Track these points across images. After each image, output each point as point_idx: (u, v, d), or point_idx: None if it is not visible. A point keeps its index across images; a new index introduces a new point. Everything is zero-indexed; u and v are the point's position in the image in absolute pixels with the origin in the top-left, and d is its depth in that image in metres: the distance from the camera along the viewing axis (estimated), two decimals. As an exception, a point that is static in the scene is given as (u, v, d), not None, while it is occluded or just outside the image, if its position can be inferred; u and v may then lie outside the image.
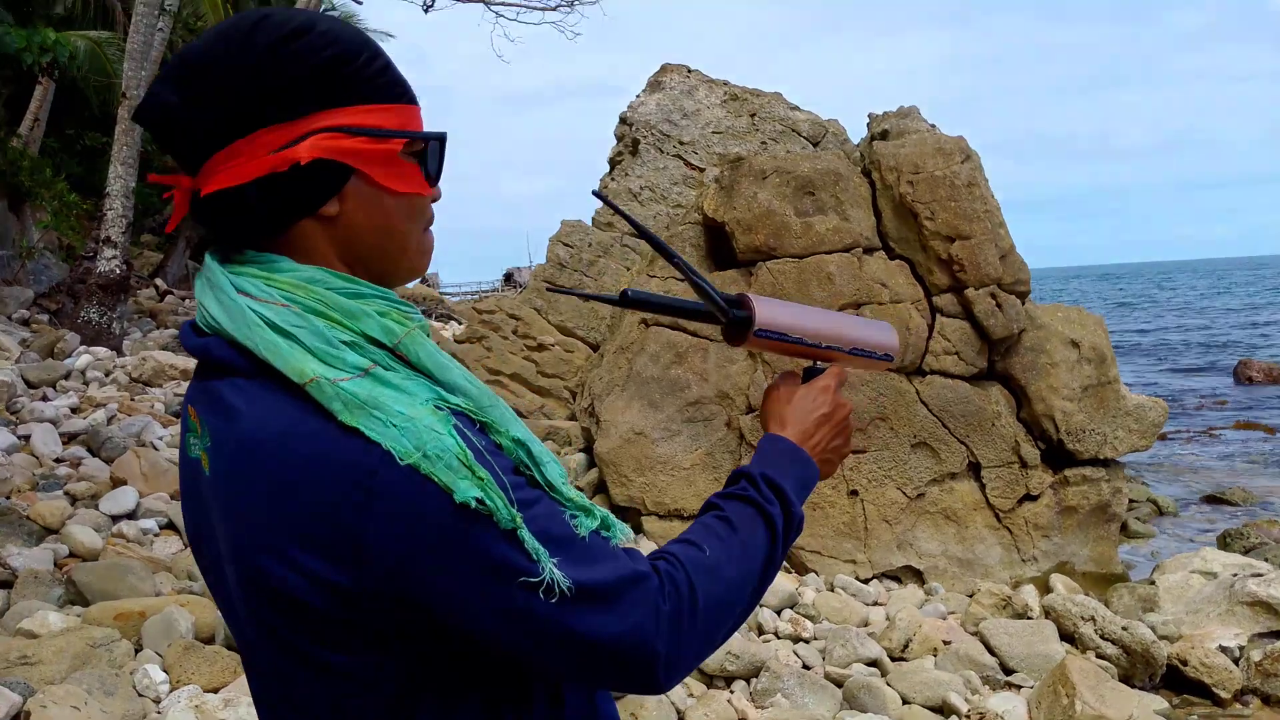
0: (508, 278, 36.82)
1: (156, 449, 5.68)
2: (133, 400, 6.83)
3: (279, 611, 0.82)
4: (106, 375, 7.45)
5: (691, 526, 0.98)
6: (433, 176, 0.93)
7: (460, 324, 15.21)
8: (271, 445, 0.80)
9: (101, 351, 8.01)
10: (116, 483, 5.04)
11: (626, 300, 1.05)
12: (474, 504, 0.77)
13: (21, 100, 13.66)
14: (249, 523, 0.81)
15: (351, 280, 0.86)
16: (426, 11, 13.45)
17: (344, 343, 0.82)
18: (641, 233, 1.08)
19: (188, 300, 12.69)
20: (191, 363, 8.03)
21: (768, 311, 1.12)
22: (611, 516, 0.89)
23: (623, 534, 0.89)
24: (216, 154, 0.84)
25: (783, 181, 5.65)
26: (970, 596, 4.96)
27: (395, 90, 0.90)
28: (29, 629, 3.41)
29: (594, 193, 1.11)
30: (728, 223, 5.65)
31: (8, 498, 4.68)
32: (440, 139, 0.93)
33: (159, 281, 12.83)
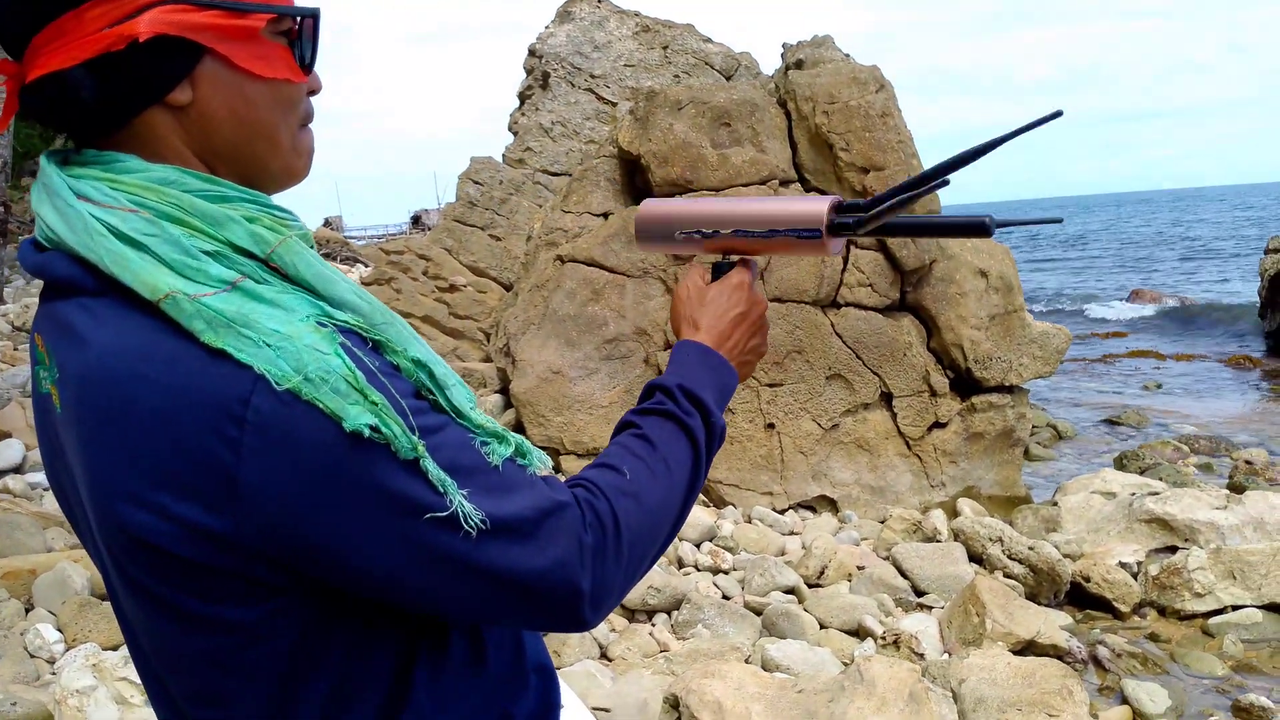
0: (415, 220, 35.88)
1: (43, 400, 5.38)
2: (16, 350, 6.45)
3: (144, 563, 0.71)
4: (-15, 323, 7.02)
5: (608, 448, 0.90)
6: (306, 62, 0.81)
7: (367, 267, 14.79)
8: (124, 375, 0.69)
9: (-21, 299, 7.54)
10: (1, 435, 4.76)
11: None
12: (367, 432, 0.67)
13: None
14: (103, 465, 0.70)
15: (213, 181, 0.74)
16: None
17: (206, 253, 0.70)
18: None
19: (74, 244, 12.05)
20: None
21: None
22: (527, 443, 0.80)
23: (540, 461, 0.81)
24: (39, 33, 0.71)
25: (698, 113, 5.55)
26: (882, 523, 5.07)
27: None
28: (-94, 592, 3.21)
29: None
30: (643, 155, 5.54)
31: (-123, 455, 4.38)
32: (313, 15, 0.80)
33: (42, 225, 12.13)
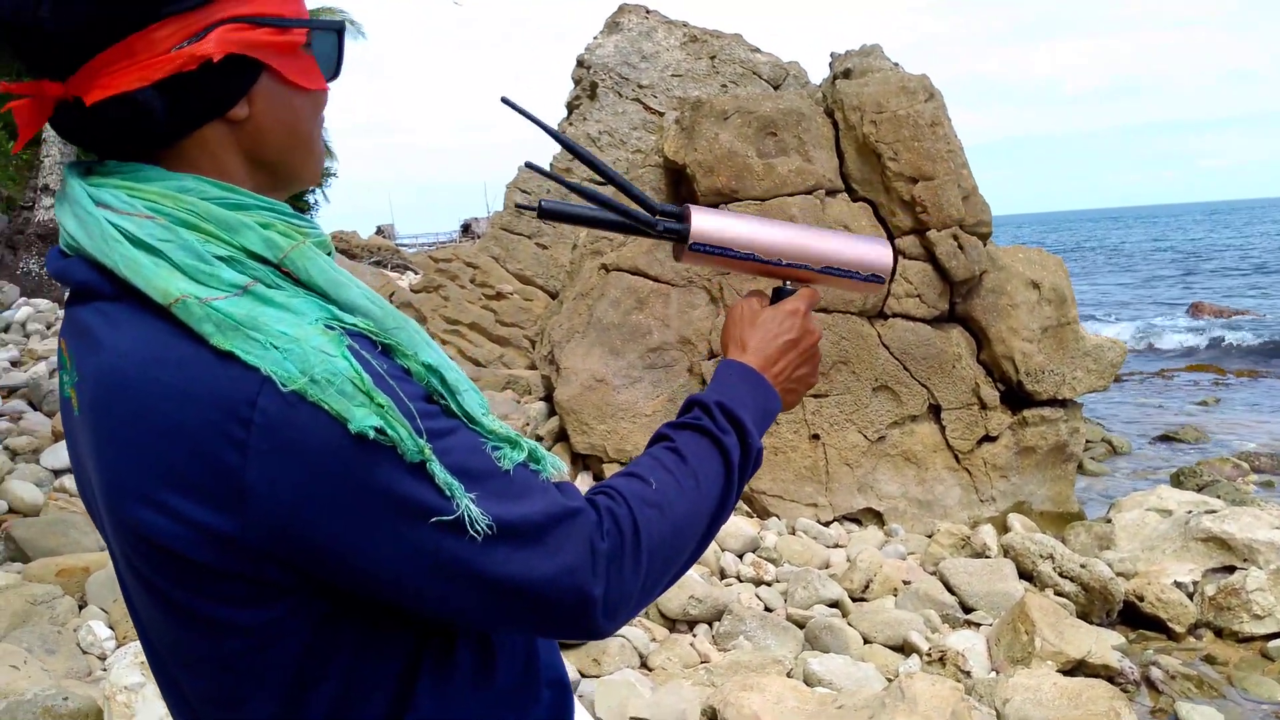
0: (465, 229, 36.27)
1: (101, 402, 5.52)
2: (76, 353, 6.63)
3: (156, 566, 0.72)
4: (48, 328, 7.23)
5: (638, 459, 0.89)
6: (331, 70, 0.83)
7: (417, 274, 14.98)
8: (135, 376, 0.70)
9: (43, 303, 7.77)
10: (59, 436, 4.89)
11: (543, 211, 0.95)
12: (372, 434, 0.67)
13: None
14: (116, 466, 0.71)
15: (231, 189, 0.75)
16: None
17: (219, 258, 0.71)
18: (555, 137, 0.97)
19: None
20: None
21: (707, 223, 1.02)
22: (541, 449, 0.80)
23: (553, 467, 0.80)
24: (100, 54, 0.71)
25: (744, 122, 5.53)
26: (929, 537, 4.99)
27: None
28: (-34, 587, 3.29)
29: (503, 99, 0.97)
30: (689, 165, 5.53)
31: (-57, 453, 4.51)
32: (340, 29, 0.83)
33: (103, 232, 12.46)
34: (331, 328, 0.70)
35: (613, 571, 0.77)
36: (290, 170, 0.82)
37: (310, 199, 25.36)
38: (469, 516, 0.70)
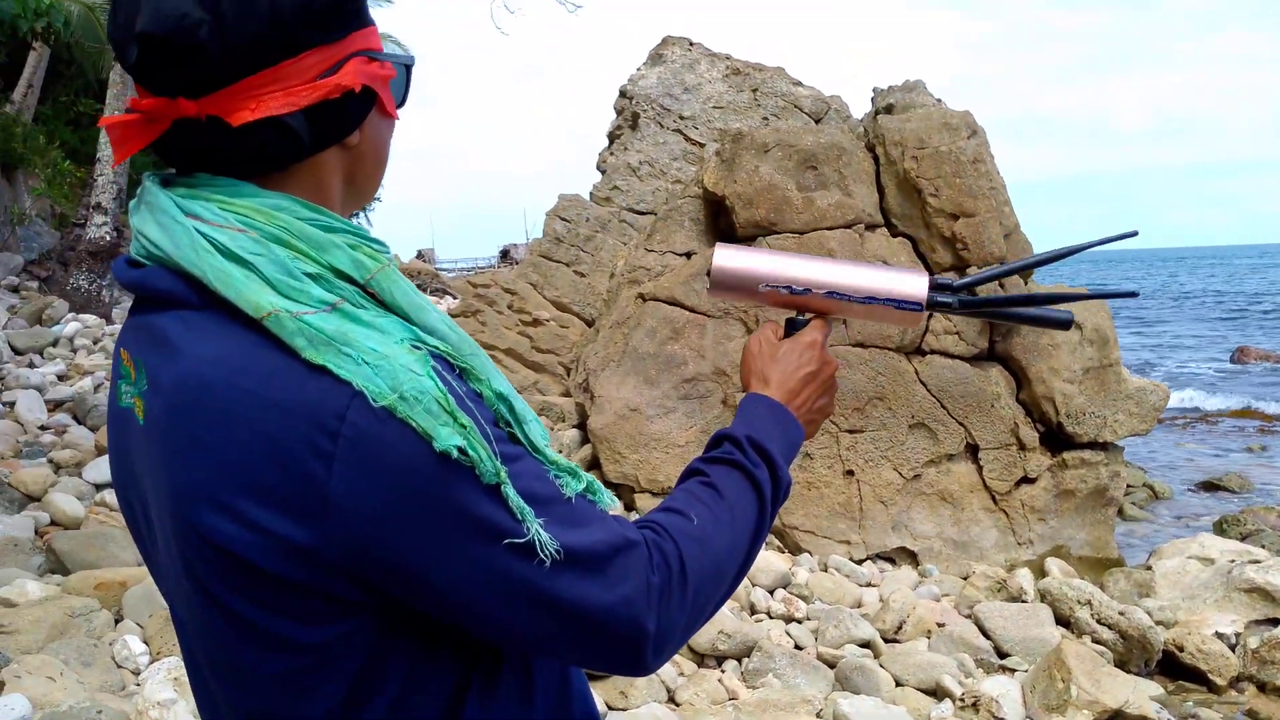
0: (504, 254, 36.59)
1: (143, 418, 5.60)
2: (121, 368, 6.75)
3: (223, 575, 0.72)
4: (95, 343, 7.38)
5: (674, 493, 0.90)
6: (401, 99, 0.88)
7: (455, 299, 15.11)
8: (221, 385, 0.71)
9: (90, 319, 7.93)
10: (101, 451, 4.97)
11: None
12: (455, 453, 0.68)
13: (15, 67, 13.48)
14: (191, 472, 0.72)
15: (320, 211, 0.78)
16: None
17: (308, 275, 0.73)
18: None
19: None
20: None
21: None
22: (597, 482, 0.81)
23: (609, 500, 0.81)
24: (250, 77, 0.74)
25: (785, 155, 5.55)
26: (965, 579, 4.91)
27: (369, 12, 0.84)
28: (7, 597, 3.35)
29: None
30: (728, 196, 5.56)
31: (-10, 464, 4.61)
32: (411, 63, 0.88)
33: (152, 250, 12.71)
34: (418, 347, 0.72)
35: (663, 605, 0.78)
36: (368, 192, 0.87)
37: (354, 221, 25.75)
38: (539, 540, 0.72)
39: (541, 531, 0.72)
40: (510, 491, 0.71)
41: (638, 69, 10.81)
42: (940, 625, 4.23)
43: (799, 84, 10.44)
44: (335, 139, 0.80)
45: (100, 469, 4.72)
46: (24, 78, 13.27)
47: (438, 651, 0.78)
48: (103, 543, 3.80)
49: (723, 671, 3.68)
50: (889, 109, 6.00)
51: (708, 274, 1.07)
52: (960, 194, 5.37)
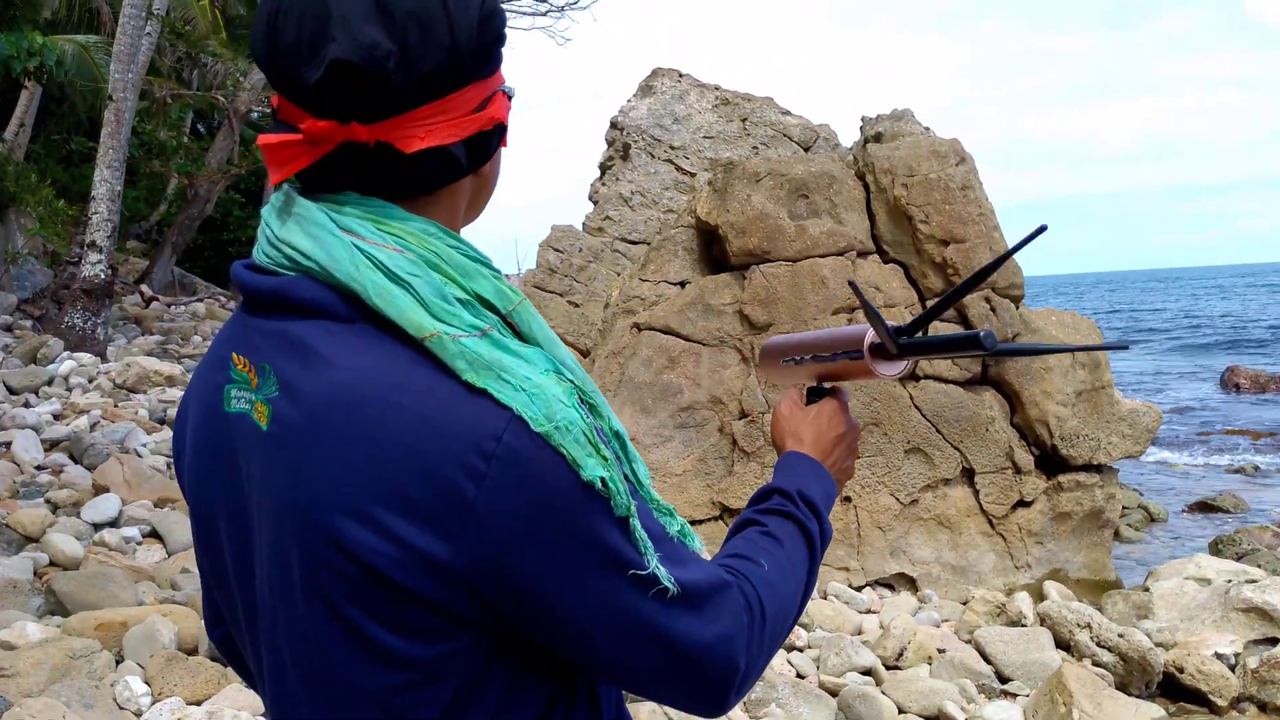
0: (497, 284, 36.65)
1: (140, 455, 5.59)
2: (116, 407, 6.74)
3: (348, 585, 0.73)
4: (90, 381, 7.36)
5: (735, 542, 0.94)
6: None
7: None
8: (377, 398, 0.72)
9: (85, 357, 7.92)
10: (99, 490, 4.97)
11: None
12: (599, 484, 0.72)
13: (7, 105, 13.55)
14: (334, 481, 0.73)
15: (460, 240, 0.81)
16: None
17: (458, 300, 0.76)
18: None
19: (173, 306, 12.58)
20: (174, 369, 7.93)
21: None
22: (688, 526, 0.84)
23: (700, 545, 0.85)
24: (423, 107, 0.77)
25: (776, 184, 5.61)
26: (964, 604, 4.92)
27: None
28: (7, 640, 3.34)
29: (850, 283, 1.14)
30: (720, 226, 5.61)
31: (-13, 505, 4.59)
32: (511, 95, 0.91)
33: (144, 287, 12.72)
34: (565, 379, 0.75)
35: (751, 647, 0.81)
36: (476, 217, 0.91)
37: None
38: (659, 574, 0.75)
39: (660, 567, 0.75)
40: (637, 525, 0.75)
41: (628, 100, 10.92)
42: (941, 651, 4.24)
43: (788, 113, 10.55)
44: (478, 167, 0.84)
45: (98, 508, 4.71)
46: (15, 116, 13.33)
47: (531, 676, 0.80)
48: (102, 583, 3.79)
49: (725, 702, 3.68)
50: (878, 137, 6.08)
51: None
52: (950, 220, 5.43)
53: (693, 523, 5.27)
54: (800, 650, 4.22)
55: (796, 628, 4.37)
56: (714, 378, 5.46)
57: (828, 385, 1.18)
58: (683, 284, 5.97)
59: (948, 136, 5.79)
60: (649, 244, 6.98)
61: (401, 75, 0.75)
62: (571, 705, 0.83)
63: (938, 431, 5.34)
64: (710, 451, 5.38)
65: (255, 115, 15.67)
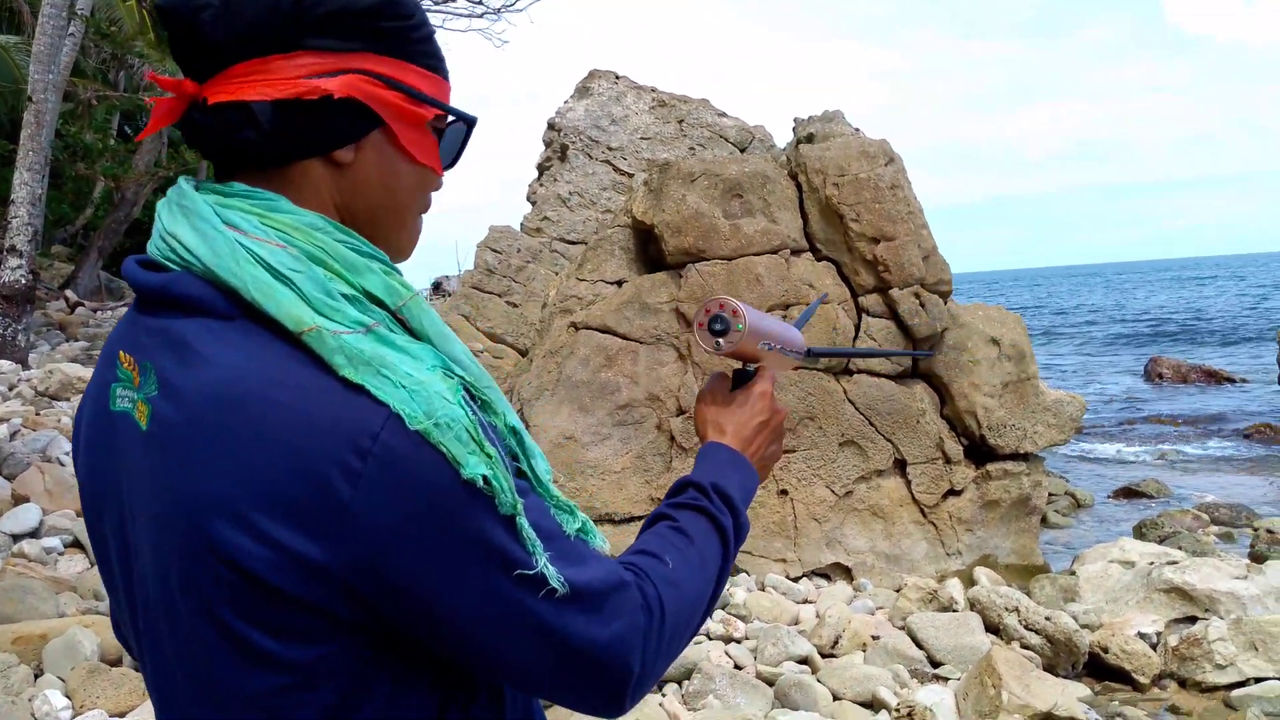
0: (436, 286, 36.28)
1: (63, 464, 5.43)
2: (38, 415, 6.53)
3: (224, 588, 0.71)
4: (10, 389, 7.13)
5: (645, 537, 0.93)
6: (451, 158, 0.88)
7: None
8: (252, 397, 0.71)
9: (5, 365, 7.68)
10: (19, 500, 4.81)
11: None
12: (480, 482, 0.70)
13: (-80, 106, 13.04)
14: (209, 483, 0.71)
15: (354, 235, 0.79)
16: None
17: (344, 296, 0.74)
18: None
19: (99, 312, 12.25)
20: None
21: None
22: (591, 523, 0.83)
23: (602, 542, 0.83)
24: (241, 64, 0.76)
25: (711, 184, 5.65)
26: (897, 591, 5.01)
27: (437, 60, 0.85)
28: (-81, 655, 3.22)
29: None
30: (656, 225, 5.64)
31: (-101, 518, 4.43)
32: (471, 122, 0.88)
33: (69, 293, 12.36)
34: (450, 375, 0.74)
35: (648, 646, 0.80)
36: (376, 232, 0.84)
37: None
38: (547, 573, 0.73)
39: (549, 565, 0.73)
40: (524, 523, 0.73)
41: (565, 102, 10.91)
42: (875, 638, 4.31)
43: (723, 115, 10.64)
44: (316, 149, 0.79)
45: (18, 519, 4.56)
46: (-69, 119, 12.86)
47: (419, 678, 0.78)
48: (21, 595, 3.68)
49: (663, 695, 3.70)
50: (810, 138, 6.17)
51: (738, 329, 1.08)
52: (880, 219, 5.53)
53: (631, 519, 5.28)
54: (738, 641, 4.26)
55: (734, 619, 4.41)
56: (651, 375, 5.48)
57: (753, 367, 1.16)
58: (620, 283, 5.99)
59: (878, 138, 5.89)
60: (586, 244, 6.99)
61: (219, 28, 0.75)
62: (469, 705, 0.81)
63: (870, 424, 5.44)
64: (648, 448, 5.40)
65: (184, 117, 15.29)
